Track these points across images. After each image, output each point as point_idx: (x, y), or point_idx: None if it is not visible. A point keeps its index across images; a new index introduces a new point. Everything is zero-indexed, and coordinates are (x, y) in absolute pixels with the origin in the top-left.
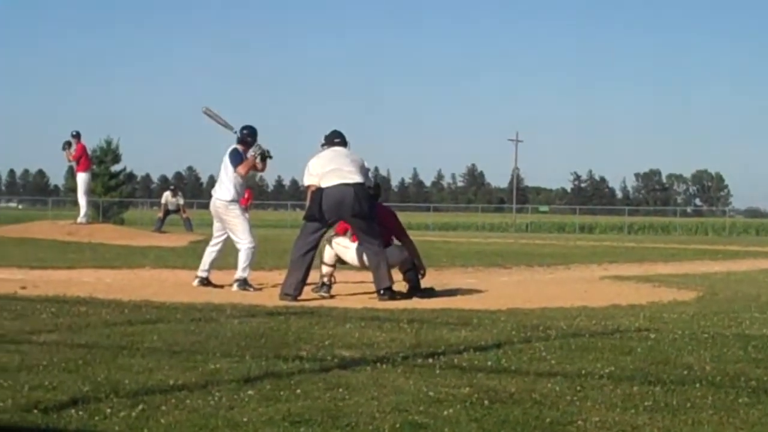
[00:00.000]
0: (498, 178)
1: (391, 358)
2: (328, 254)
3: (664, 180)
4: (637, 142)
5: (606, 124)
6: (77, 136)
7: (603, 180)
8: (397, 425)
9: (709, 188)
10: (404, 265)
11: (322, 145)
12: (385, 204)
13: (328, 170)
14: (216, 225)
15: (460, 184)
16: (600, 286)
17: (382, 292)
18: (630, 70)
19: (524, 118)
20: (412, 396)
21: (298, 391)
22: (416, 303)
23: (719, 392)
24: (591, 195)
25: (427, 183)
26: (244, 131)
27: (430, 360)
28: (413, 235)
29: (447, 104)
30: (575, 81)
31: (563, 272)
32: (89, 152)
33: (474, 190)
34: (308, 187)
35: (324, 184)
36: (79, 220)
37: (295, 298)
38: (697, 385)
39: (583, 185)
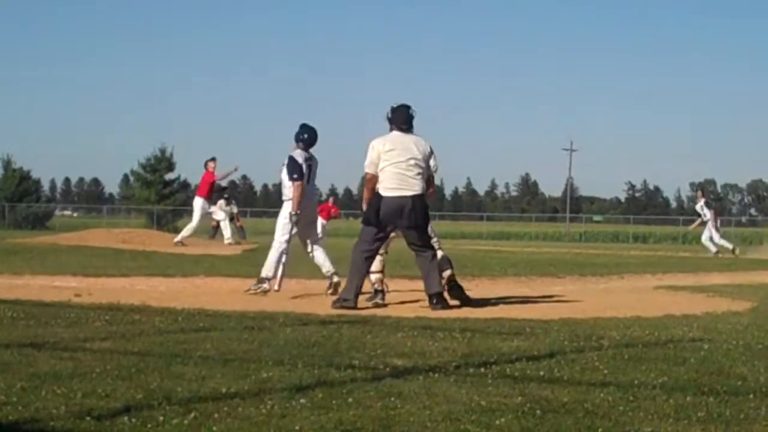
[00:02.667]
0: (552, 188)
1: (443, 368)
2: (376, 261)
3: (719, 190)
4: (691, 152)
5: (661, 134)
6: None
7: (657, 189)
8: None
9: (765, 198)
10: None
11: (389, 119)
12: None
13: (390, 170)
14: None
15: (513, 193)
16: (654, 296)
17: (435, 301)
18: (685, 78)
19: (579, 127)
20: (463, 405)
21: (350, 399)
22: (469, 312)
23: None
24: (645, 204)
25: (481, 192)
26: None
27: (483, 369)
28: (467, 244)
29: (501, 113)
30: (630, 90)
31: (617, 282)
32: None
33: (528, 200)
34: (367, 174)
35: (384, 191)
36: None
37: (354, 305)
38: (751, 396)
39: (637, 195)
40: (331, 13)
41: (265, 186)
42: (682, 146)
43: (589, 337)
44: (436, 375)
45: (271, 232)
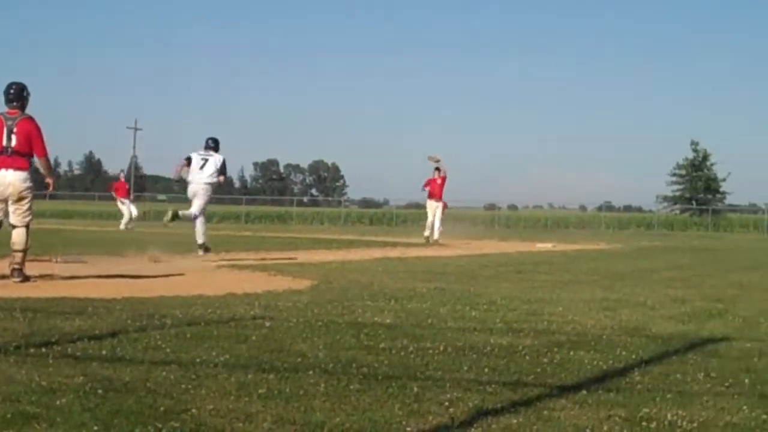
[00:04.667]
0: (116, 166)
1: (4, 348)
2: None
3: (282, 170)
4: (255, 132)
5: (225, 113)
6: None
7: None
8: (8, 416)
9: (326, 178)
10: None
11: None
12: None
13: None
14: None
15: (77, 171)
16: (217, 275)
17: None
18: (259, 58)
19: (144, 107)
20: (24, 386)
21: None
22: (31, 291)
23: (332, 379)
24: None
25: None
26: None
27: (44, 349)
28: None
29: (64, 89)
30: (195, 68)
31: (180, 261)
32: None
33: (91, 178)
34: None
35: None
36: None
37: None
38: (311, 372)
39: None
40: None
41: None
42: (245, 126)
43: (152, 315)
44: None
45: None
